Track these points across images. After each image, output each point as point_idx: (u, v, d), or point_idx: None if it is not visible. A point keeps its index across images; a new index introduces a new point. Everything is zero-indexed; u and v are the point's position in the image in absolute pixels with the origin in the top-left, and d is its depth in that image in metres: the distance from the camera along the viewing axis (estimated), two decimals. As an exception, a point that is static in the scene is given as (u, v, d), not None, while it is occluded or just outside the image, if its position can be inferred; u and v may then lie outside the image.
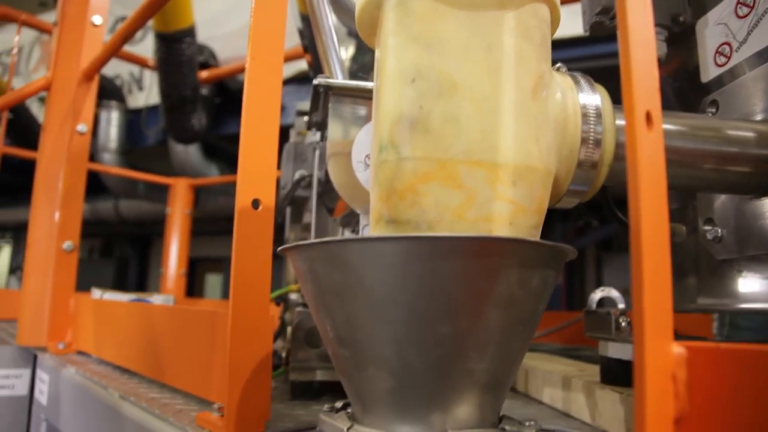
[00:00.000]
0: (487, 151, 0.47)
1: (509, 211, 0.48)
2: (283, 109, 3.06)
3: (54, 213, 1.58)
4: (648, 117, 0.38)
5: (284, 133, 1.12)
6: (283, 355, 1.04)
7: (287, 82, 3.08)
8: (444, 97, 0.48)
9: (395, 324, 0.47)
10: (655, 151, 0.38)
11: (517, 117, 0.48)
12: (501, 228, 0.47)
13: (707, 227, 0.72)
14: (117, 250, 7.06)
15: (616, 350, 0.74)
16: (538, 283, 0.49)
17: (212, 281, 7.46)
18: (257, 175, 0.77)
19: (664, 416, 0.38)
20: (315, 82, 0.83)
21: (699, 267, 0.80)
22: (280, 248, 0.53)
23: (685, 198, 0.78)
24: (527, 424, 0.51)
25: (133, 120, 3.75)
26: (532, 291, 0.49)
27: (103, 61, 1.62)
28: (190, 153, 3.23)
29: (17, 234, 6.56)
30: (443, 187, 0.47)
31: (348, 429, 0.52)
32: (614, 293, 0.79)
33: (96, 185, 3.98)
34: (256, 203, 0.76)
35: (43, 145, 1.70)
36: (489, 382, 0.49)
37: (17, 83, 3.88)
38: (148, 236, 6.73)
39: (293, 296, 1.01)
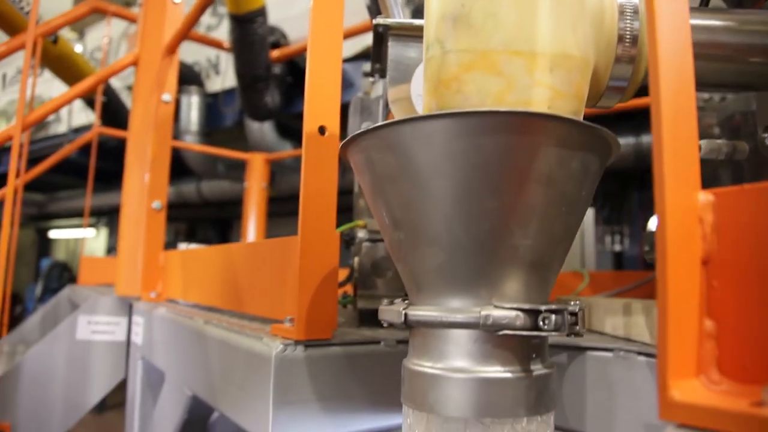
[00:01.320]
0: (524, 41, 0.51)
1: (547, 96, 0.51)
2: (351, 85, 3.13)
3: (144, 175, 1.72)
4: None
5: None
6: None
7: (354, 58, 3.15)
8: (485, -5, 0.51)
9: (443, 200, 0.51)
10: (678, 16, 0.40)
11: (553, 8, 0.51)
12: (540, 110, 0.51)
13: (767, 134, 0.72)
14: (200, 233, 7.43)
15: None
16: (577, 166, 0.52)
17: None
18: (322, 103, 0.83)
19: (692, 256, 0.40)
20: (374, 22, 0.87)
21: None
22: (341, 144, 0.58)
23: (744, 112, 0.78)
24: (573, 303, 0.54)
25: (211, 104, 3.95)
26: (572, 173, 0.52)
27: (183, 35, 1.73)
28: (265, 131, 3.38)
29: (112, 218, 7.04)
30: (484, 75, 0.51)
31: (404, 309, 0.57)
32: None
33: (180, 167, 4.22)
34: (322, 129, 0.82)
35: (133, 114, 1.85)
36: (534, 260, 0.53)
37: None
38: (228, 219, 7.04)
39: (360, 234, 1.07)
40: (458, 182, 0.50)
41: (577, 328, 0.53)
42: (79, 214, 6.25)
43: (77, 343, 1.67)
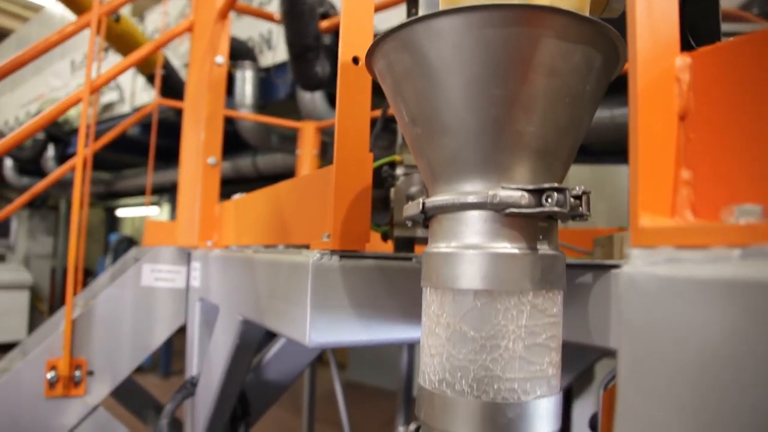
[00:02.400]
0: (531, -59, 0.55)
1: (550, -8, 0.56)
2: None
3: (200, 133, 1.82)
4: None
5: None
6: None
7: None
8: None
9: (454, 91, 0.56)
10: None
11: None
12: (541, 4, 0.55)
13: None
14: (257, 210, 7.64)
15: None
16: (580, 60, 0.56)
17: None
18: (357, 34, 0.89)
19: (669, 113, 0.44)
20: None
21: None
22: (366, 54, 0.64)
23: None
24: (577, 187, 0.58)
25: (264, 78, 4.07)
26: (575, 65, 0.56)
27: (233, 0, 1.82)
28: (316, 101, 3.47)
29: (173, 194, 7.34)
30: (492, -26, 0.56)
31: (423, 202, 0.62)
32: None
33: (236, 142, 4.37)
34: (356, 60, 0.88)
35: (189, 78, 1.96)
36: (539, 147, 0.58)
37: (169, 57, 4.32)
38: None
39: (397, 169, 1.13)
40: (466, 73, 0.55)
41: (581, 210, 0.57)
42: (143, 191, 6.56)
43: (142, 289, 1.81)
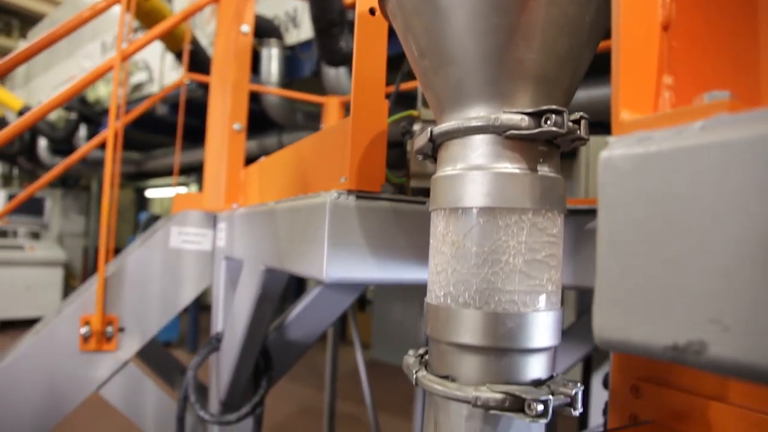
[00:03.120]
0: None
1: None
2: None
3: (226, 100, 1.88)
4: None
5: None
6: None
7: None
8: None
9: (457, 22, 0.60)
10: None
11: None
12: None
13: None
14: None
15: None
16: (580, -10, 0.59)
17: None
18: (372, -15, 0.92)
19: (652, 22, 0.47)
20: None
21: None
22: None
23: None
24: (576, 113, 0.61)
25: (290, 56, 4.12)
26: (575, -5, 0.59)
27: (260, -32, 1.86)
28: (341, 76, 3.51)
29: (200, 174, 7.48)
30: None
31: (431, 130, 0.66)
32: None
33: (262, 120, 4.44)
34: (372, 11, 0.92)
35: (216, 46, 2.01)
36: (539, 74, 0.61)
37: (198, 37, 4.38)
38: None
39: (414, 125, 1.17)
40: (469, 5, 0.59)
41: (579, 133, 0.60)
42: (172, 171, 6.69)
43: (170, 250, 1.88)
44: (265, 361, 1.63)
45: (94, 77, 1.78)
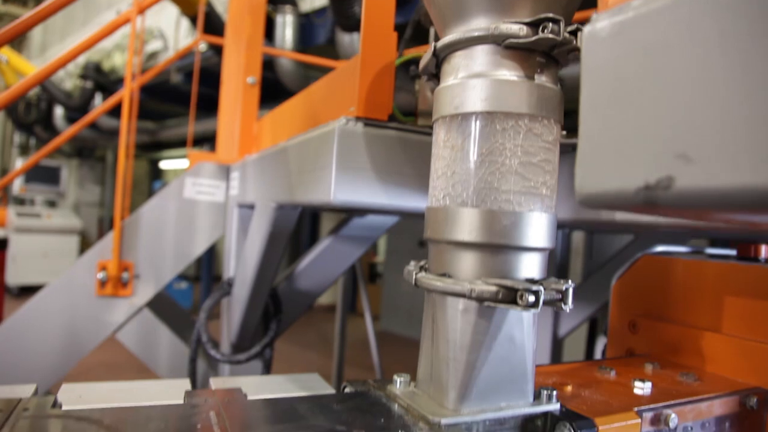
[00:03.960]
0: None
1: None
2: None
3: (240, 54, 1.91)
4: None
5: None
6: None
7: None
8: None
9: (463, -69, 0.62)
10: None
11: None
12: None
13: None
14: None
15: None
16: None
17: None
18: None
19: None
20: None
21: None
22: None
23: None
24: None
25: (304, 24, 4.13)
26: None
27: None
28: (355, 42, 3.51)
29: (213, 145, 7.54)
30: None
31: (434, 44, 0.69)
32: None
33: (276, 90, 4.46)
34: (382, -57, 0.94)
35: (231, 3, 2.03)
36: (540, -14, 0.63)
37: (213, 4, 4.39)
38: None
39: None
40: None
41: (576, 43, 0.63)
42: (186, 141, 6.74)
43: (184, 200, 1.93)
44: (274, 305, 1.68)
45: (111, 29, 1.81)
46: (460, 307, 0.64)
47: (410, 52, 1.22)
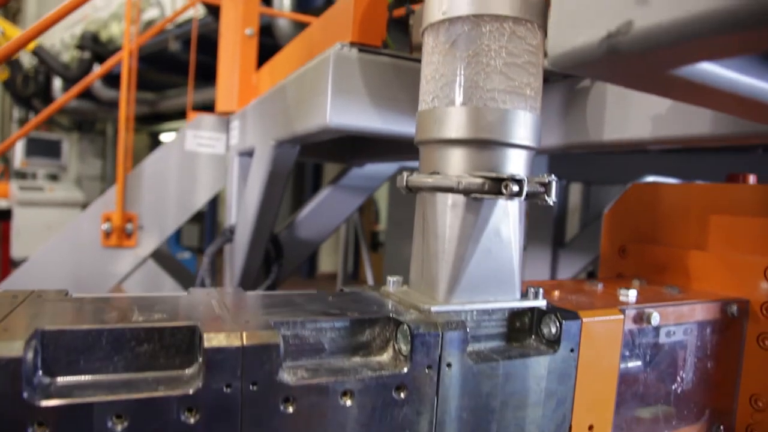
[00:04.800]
0: None
1: None
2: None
3: (238, 6, 1.92)
4: None
5: None
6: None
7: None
8: None
9: None
10: None
11: None
12: None
13: None
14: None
15: None
16: None
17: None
18: None
19: None
20: None
21: None
22: None
23: None
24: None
25: (302, -13, 4.11)
26: None
27: None
28: (350, 4, 3.52)
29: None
30: None
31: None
32: None
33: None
34: None
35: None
36: None
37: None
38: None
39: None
40: None
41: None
42: (185, 113, 6.75)
43: (186, 153, 1.96)
44: (276, 250, 1.72)
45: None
46: (449, 203, 0.68)
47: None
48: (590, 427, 0.76)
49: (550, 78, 1.06)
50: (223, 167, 1.99)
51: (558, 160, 2.18)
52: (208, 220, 7.08)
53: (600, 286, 0.95)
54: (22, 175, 8.29)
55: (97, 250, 1.89)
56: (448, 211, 0.68)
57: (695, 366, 0.90)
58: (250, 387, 0.51)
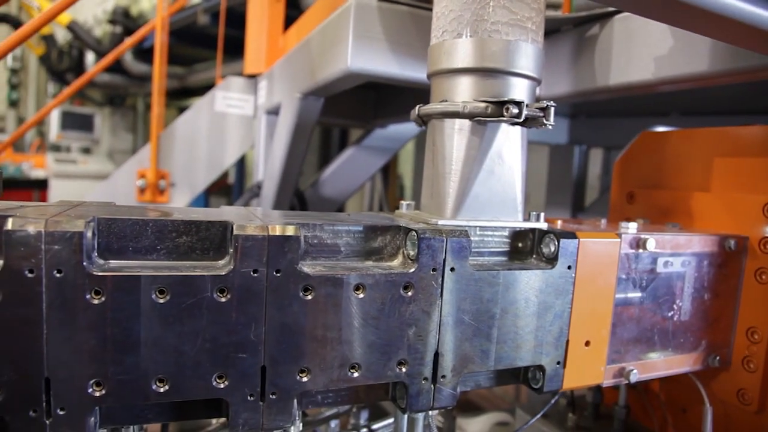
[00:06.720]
0: None
1: None
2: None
3: (265, -30, 1.98)
4: None
5: None
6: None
7: None
8: None
9: None
10: None
11: None
12: None
13: None
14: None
15: None
16: None
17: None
18: None
19: None
20: None
21: None
22: None
23: None
24: None
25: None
26: None
27: None
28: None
29: (241, 89, 7.68)
30: None
31: None
32: None
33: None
34: None
35: None
36: None
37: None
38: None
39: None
40: None
41: None
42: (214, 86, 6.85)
43: (215, 114, 2.04)
44: (301, 205, 1.81)
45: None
46: (456, 127, 0.74)
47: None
48: (587, 343, 0.82)
49: (561, 28, 1.10)
50: (250, 128, 2.08)
51: (578, 125, 2.21)
52: (235, 192, 7.21)
53: (603, 222, 1.00)
54: (56, 148, 8.55)
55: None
56: (455, 134, 0.74)
57: (693, 297, 0.95)
58: (275, 273, 0.59)
